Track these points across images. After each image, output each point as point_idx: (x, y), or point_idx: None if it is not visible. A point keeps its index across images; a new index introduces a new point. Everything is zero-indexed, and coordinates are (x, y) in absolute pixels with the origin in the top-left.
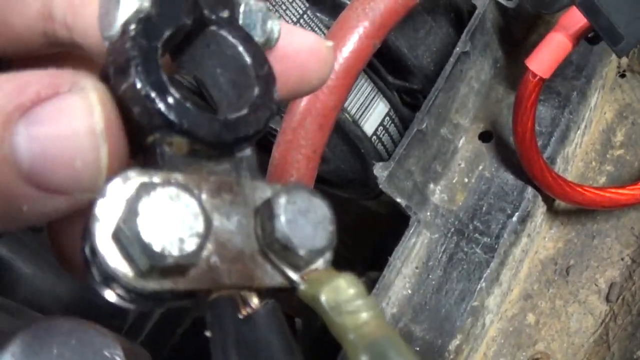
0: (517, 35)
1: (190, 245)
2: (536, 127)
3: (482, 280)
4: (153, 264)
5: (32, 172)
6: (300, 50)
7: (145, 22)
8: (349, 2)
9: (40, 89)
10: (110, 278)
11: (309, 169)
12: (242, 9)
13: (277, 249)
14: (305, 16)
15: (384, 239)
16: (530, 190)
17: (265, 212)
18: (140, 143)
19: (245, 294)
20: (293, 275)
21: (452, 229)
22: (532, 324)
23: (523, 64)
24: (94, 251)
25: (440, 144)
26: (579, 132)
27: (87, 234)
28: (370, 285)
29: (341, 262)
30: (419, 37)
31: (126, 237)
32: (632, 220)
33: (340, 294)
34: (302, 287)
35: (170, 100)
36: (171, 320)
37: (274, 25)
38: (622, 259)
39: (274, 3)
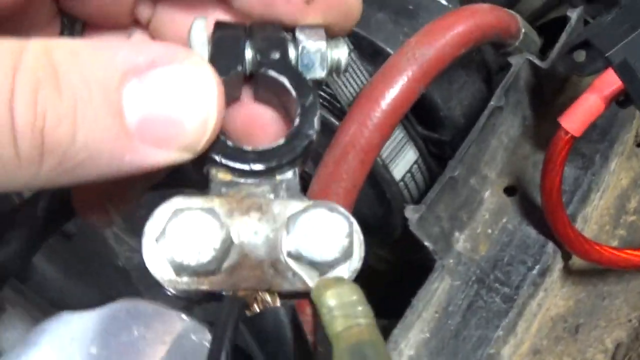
0: (547, 95)
1: (206, 257)
2: None
3: (500, 329)
4: (177, 270)
5: (140, 126)
6: None
7: None
8: (387, 49)
9: (155, 57)
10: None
11: (347, 202)
12: (299, 51)
13: (295, 259)
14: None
15: (391, 288)
16: (551, 245)
17: (288, 228)
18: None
19: (265, 295)
20: (308, 281)
21: (473, 278)
22: None
23: (551, 124)
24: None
25: (469, 193)
26: (598, 194)
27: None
28: None
29: None
30: (453, 90)
31: (161, 249)
32: None
33: (342, 298)
34: (313, 290)
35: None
36: None
37: (341, 54)
38: (630, 321)
39: None
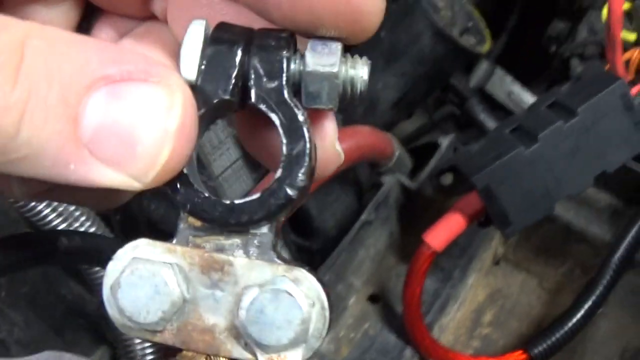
0: (414, 212)
1: (154, 318)
2: None
3: None
4: (128, 320)
5: (93, 137)
6: None
7: None
8: None
9: (133, 70)
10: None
11: None
12: (303, 76)
13: (244, 333)
14: (237, 162)
15: None
16: (409, 350)
17: (241, 299)
18: None
19: (215, 357)
20: (259, 356)
21: None
22: None
23: (416, 238)
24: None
25: (335, 299)
26: (455, 306)
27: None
28: None
29: None
30: (327, 203)
31: (114, 296)
32: None
33: None
34: None
35: (181, 187)
36: None
37: (357, 74)
38: None
39: (213, 144)
